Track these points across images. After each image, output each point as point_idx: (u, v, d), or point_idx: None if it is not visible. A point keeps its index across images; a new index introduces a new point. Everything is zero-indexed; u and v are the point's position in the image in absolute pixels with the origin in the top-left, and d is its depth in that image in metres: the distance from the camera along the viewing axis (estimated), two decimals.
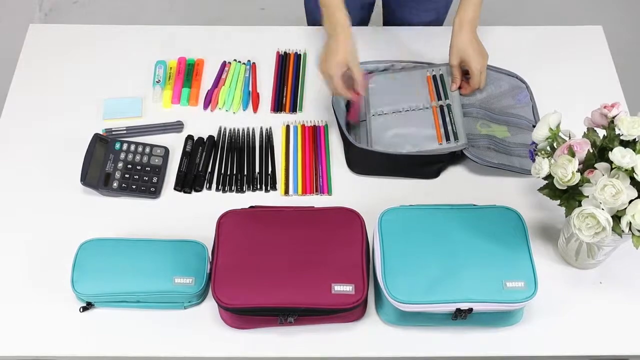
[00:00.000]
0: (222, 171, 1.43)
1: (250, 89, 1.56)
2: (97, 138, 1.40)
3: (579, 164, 1.12)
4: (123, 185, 1.38)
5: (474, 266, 1.18)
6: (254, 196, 1.40)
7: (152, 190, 1.39)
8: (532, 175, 1.38)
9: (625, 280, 1.29)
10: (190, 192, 1.40)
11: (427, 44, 1.61)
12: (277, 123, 1.50)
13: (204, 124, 1.50)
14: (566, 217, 1.19)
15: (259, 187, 1.41)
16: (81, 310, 1.23)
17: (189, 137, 1.47)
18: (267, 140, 1.47)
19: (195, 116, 1.51)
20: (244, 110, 1.53)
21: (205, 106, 1.53)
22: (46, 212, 1.36)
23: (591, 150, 1.13)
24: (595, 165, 1.12)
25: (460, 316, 1.16)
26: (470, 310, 1.15)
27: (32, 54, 1.61)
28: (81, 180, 1.35)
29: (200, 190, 1.40)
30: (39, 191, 1.39)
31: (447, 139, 1.41)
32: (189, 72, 1.58)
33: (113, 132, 1.47)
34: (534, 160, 1.19)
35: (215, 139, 1.48)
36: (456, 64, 1.45)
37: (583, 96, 1.50)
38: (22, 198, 1.38)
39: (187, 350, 1.21)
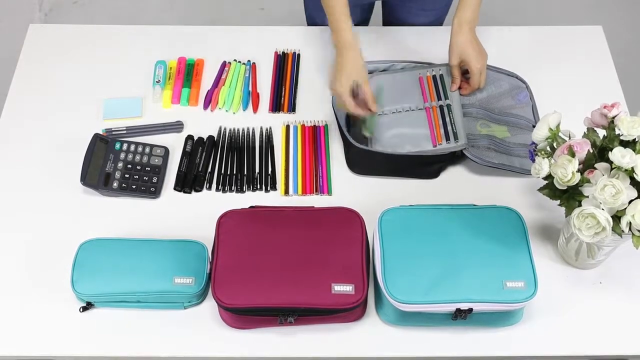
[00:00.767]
0: (222, 171, 1.43)
1: (250, 89, 1.56)
2: (97, 138, 1.40)
3: (579, 164, 1.12)
4: (123, 185, 1.38)
5: (474, 266, 1.18)
6: (254, 196, 1.40)
7: (152, 190, 1.39)
8: (532, 175, 1.39)
9: (625, 280, 1.29)
10: (190, 192, 1.40)
11: (427, 44, 1.61)
12: (277, 123, 1.50)
13: (204, 124, 1.50)
14: (566, 217, 1.19)
15: (259, 187, 1.41)
16: (81, 310, 1.23)
17: (189, 137, 1.47)
18: (267, 140, 1.47)
19: (195, 116, 1.51)
20: (244, 110, 1.53)
21: (205, 106, 1.53)
22: (46, 212, 1.36)
23: (591, 151, 1.13)
24: (595, 166, 1.12)
25: (460, 316, 1.16)
26: (470, 310, 1.15)
27: (32, 54, 1.61)
28: (81, 180, 1.35)
29: (200, 190, 1.40)
30: (39, 191, 1.39)
31: (447, 139, 1.41)
32: (189, 72, 1.58)
33: (113, 132, 1.47)
34: (533, 161, 1.19)
35: (215, 139, 1.48)
36: (456, 64, 1.45)
37: (583, 96, 1.50)
38: (22, 198, 1.38)
39: (187, 350, 1.21)
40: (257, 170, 1.43)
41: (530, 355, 1.22)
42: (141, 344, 1.22)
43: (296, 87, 1.56)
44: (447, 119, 1.44)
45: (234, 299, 1.16)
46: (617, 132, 1.13)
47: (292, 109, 1.52)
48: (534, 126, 1.44)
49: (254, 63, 1.60)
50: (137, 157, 1.42)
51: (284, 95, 1.54)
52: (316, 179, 1.42)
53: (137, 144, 1.43)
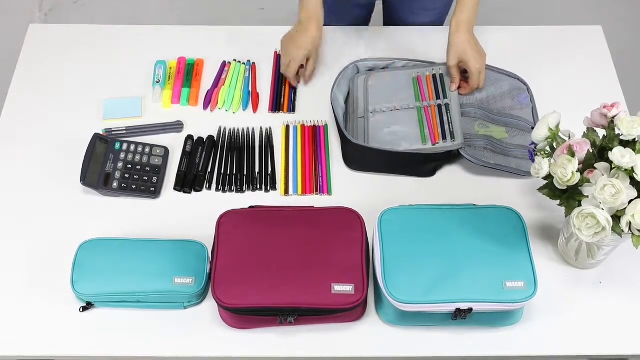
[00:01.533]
0: (222, 171, 1.43)
1: (250, 89, 1.56)
2: (97, 138, 1.40)
3: (579, 164, 1.12)
4: (123, 185, 1.38)
5: (474, 266, 1.18)
6: (253, 196, 1.40)
7: (152, 190, 1.39)
8: (532, 175, 1.39)
9: (625, 280, 1.29)
10: (190, 192, 1.40)
11: (427, 43, 1.61)
12: (277, 123, 1.50)
13: (203, 124, 1.50)
14: (566, 217, 1.19)
15: (258, 187, 1.41)
16: (81, 310, 1.23)
17: (189, 137, 1.47)
18: (267, 140, 1.47)
19: (195, 116, 1.51)
20: (243, 110, 1.53)
21: (205, 106, 1.53)
22: (46, 212, 1.36)
23: (591, 150, 1.13)
24: (595, 165, 1.12)
25: (460, 316, 1.16)
26: (470, 310, 1.15)
27: (32, 54, 1.61)
28: (81, 180, 1.35)
29: (200, 190, 1.40)
30: (39, 191, 1.39)
31: (444, 138, 1.42)
32: (188, 72, 1.58)
33: (113, 132, 1.47)
34: (533, 161, 1.19)
35: (215, 139, 1.48)
36: (454, 64, 1.45)
37: (583, 96, 1.50)
38: (22, 198, 1.38)
39: (187, 350, 1.21)
40: (257, 170, 1.43)
41: (530, 355, 1.22)
42: (141, 344, 1.22)
43: (296, 87, 1.56)
44: (445, 118, 1.44)
45: (234, 299, 1.16)
46: (617, 132, 1.13)
47: (292, 109, 1.52)
48: (533, 128, 1.44)
49: (253, 63, 1.60)
50: (137, 157, 1.42)
51: (283, 95, 1.54)
52: (316, 178, 1.42)
53: (137, 143, 1.43)
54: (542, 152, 1.19)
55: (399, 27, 1.70)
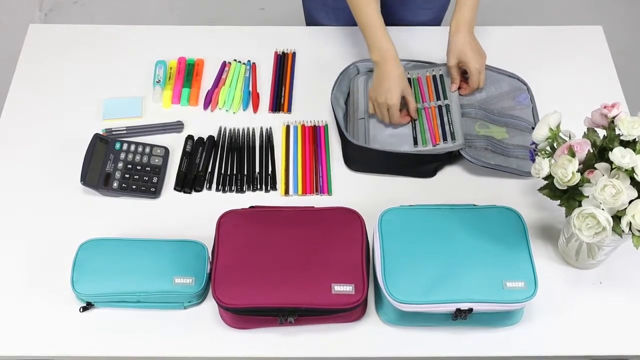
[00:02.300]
0: (222, 171, 1.43)
1: (251, 89, 1.56)
2: (97, 138, 1.40)
3: (579, 164, 1.12)
4: (123, 185, 1.38)
5: (474, 266, 1.18)
6: (254, 196, 1.40)
7: (152, 190, 1.39)
8: (532, 175, 1.39)
9: (626, 280, 1.29)
10: (190, 192, 1.40)
11: (427, 44, 1.61)
12: (277, 123, 1.50)
13: (204, 124, 1.50)
14: (566, 217, 1.19)
15: (259, 187, 1.41)
16: (81, 310, 1.23)
17: (189, 137, 1.47)
18: (267, 140, 1.47)
19: (195, 116, 1.51)
20: (244, 110, 1.53)
21: (206, 106, 1.53)
22: (46, 212, 1.36)
23: (591, 151, 1.13)
24: (596, 166, 1.12)
25: (460, 316, 1.16)
26: (470, 310, 1.15)
27: (32, 54, 1.61)
28: (81, 180, 1.35)
29: (200, 190, 1.40)
30: (39, 191, 1.39)
31: (445, 139, 1.42)
32: (189, 72, 1.58)
33: (113, 132, 1.47)
34: (534, 161, 1.19)
35: (216, 139, 1.48)
36: (454, 64, 1.45)
37: (583, 96, 1.50)
38: (22, 198, 1.38)
39: (187, 350, 1.21)
40: (257, 170, 1.43)
41: (530, 356, 1.22)
42: (141, 344, 1.22)
43: (286, 87, 1.55)
44: (445, 119, 1.44)
45: (234, 299, 1.16)
46: (617, 132, 1.13)
47: (290, 109, 1.52)
48: (533, 128, 1.44)
49: (254, 63, 1.60)
50: (137, 157, 1.42)
51: (284, 95, 1.54)
52: (316, 179, 1.42)
53: (137, 144, 1.43)
54: (543, 152, 1.19)
55: (398, 27, 1.69)
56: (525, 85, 1.52)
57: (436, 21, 1.74)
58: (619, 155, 1.08)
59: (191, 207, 1.38)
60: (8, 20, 2.70)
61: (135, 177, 1.39)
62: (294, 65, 1.59)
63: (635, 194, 1.07)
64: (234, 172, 1.43)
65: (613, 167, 1.09)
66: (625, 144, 1.11)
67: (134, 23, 1.73)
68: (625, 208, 1.08)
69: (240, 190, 1.40)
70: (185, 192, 1.40)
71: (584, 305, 1.26)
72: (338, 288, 1.17)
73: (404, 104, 1.44)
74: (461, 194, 1.38)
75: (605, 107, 1.16)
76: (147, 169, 1.41)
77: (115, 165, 1.40)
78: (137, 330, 1.23)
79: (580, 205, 1.12)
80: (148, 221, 1.35)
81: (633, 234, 1.10)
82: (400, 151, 1.40)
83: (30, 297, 1.25)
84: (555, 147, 1.17)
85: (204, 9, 2.75)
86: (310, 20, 1.75)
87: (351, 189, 1.41)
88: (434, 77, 1.51)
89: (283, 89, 1.55)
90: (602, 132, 1.17)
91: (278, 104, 1.53)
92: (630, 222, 1.08)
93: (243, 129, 1.49)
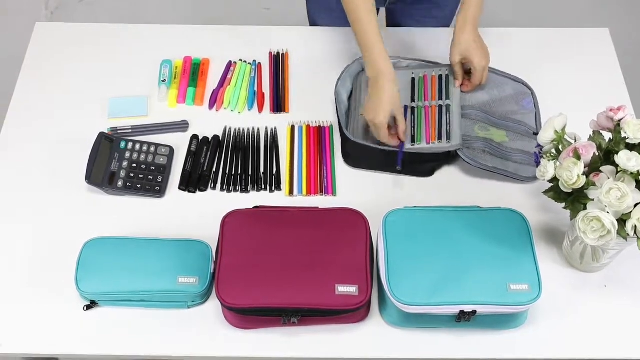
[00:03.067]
0: (227, 171, 1.43)
1: (256, 89, 1.56)
2: (102, 137, 1.41)
3: (585, 167, 1.12)
4: (128, 184, 1.38)
5: (478, 268, 1.18)
6: (258, 196, 1.40)
7: (156, 189, 1.39)
8: (530, 180, 1.39)
9: (630, 284, 1.29)
10: (194, 192, 1.40)
11: (431, 44, 1.61)
12: (282, 123, 1.50)
13: (209, 123, 1.50)
14: (571, 220, 1.18)
15: (263, 187, 1.41)
16: (85, 308, 1.24)
17: (194, 137, 1.47)
18: (272, 141, 1.47)
19: (200, 116, 1.52)
20: (249, 110, 1.53)
21: (211, 106, 1.53)
22: (51, 210, 1.36)
23: (597, 154, 1.13)
24: (601, 169, 1.12)
25: (464, 318, 1.16)
26: (474, 312, 1.15)
27: (38, 53, 1.61)
28: (86, 179, 1.36)
29: (204, 190, 1.40)
30: (44, 190, 1.39)
31: (439, 138, 1.42)
32: (194, 71, 1.58)
33: (118, 131, 1.47)
34: (539, 163, 1.19)
35: (220, 138, 1.48)
36: (457, 61, 1.45)
37: (589, 99, 1.49)
38: (27, 196, 1.38)
39: (191, 349, 1.21)
40: (261, 170, 1.43)
41: (534, 359, 1.22)
42: (145, 343, 1.22)
43: (285, 87, 1.56)
44: (444, 119, 1.44)
45: (238, 299, 1.16)
46: (623, 135, 1.13)
47: (289, 109, 1.52)
48: (534, 133, 1.44)
49: (259, 63, 1.60)
50: (142, 156, 1.42)
51: (283, 95, 1.54)
52: (321, 179, 1.42)
53: (142, 143, 1.43)
54: (548, 155, 1.19)
55: (402, 29, 1.70)
56: (530, 90, 1.52)
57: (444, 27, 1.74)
58: (624, 158, 1.07)
59: (196, 207, 1.38)
60: (14, 19, 2.70)
61: (140, 176, 1.39)
62: (282, 66, 1.59)
63: None
64: (239, 172, 1.43)
65: (619, 170, 1.09)
66: (631, 147, 1.11)
67: (140, 22, 1.73)
68: (631, 211, 1.08)
69: (244, 190, 1.40)
70: (189, 191, 1.40)
71: (589, 308, 1.26)
72: (342, 289, 1.17)
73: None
74: (466, 196, 1.38)
75: (611, 109, 1.16)
76: (152, 168, 1.41)
77: (120, 164, 1.40)
78: (141, 330, 1.23)
79: (585, 208, 1.12)
80: (152, 220, 1.35)
81: (638, 238, 1.09)
82: (396, 149, 1.40)
83: (34, 296, 1.26)
84: (561, 149, 1.17)
85: (209, 8, 2.75)
86: (313, 22, 1.75)
87: (356, 190, 1.41)
88: (440, 76, 1.51)
89: (282, 89, 1.55)
90: (607, 135, 1.17)
91: (279, 104, 1.53)
92: (636, 226, 1.07)
93: (248, 129, 1.49)
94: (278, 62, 1.60)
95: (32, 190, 1.39)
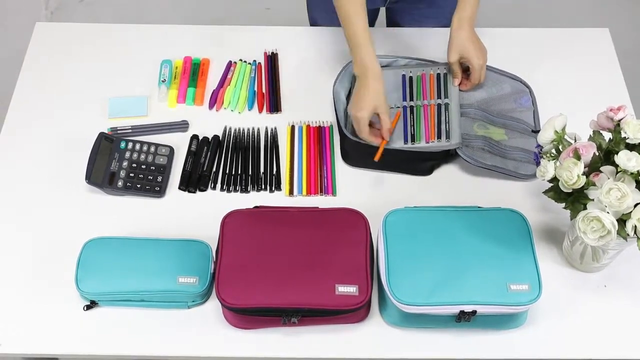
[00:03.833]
0: (227, 171, 1.43)
1: (256, 89, 1.56)
2: (102, 137, 1.41)
3: (585, 167, 1.12)
4: (128, 184, 1.38)
5: (478, 268, 1.18)
6: (258, 196, 1.40)
7: (156, 189, 1.39)
8: (530, 178, 1.39)
9: (630, 284, 1.29)
10: (194, 192, 1.40)
11: (430, 44, 1.61)
12: (282, 123, 1.50)
13: (209, 123, 1.50)
14: (571, 220, 1.18)
15: (263, 187, 1.41)
16: (85, 308, 1.24)
17: (194, 137, 1.47)
18: (272, 141, 1.47)
19: (200, 116, 1.52)
20: (249, 110, 1.53)
21: (211, 106, 1.53)
22: (51, 210, 1.36)
23: (597, 154, 1.13)
24: (601, 169, 1.12)
25: (464, 318, 1.16)
26: (474, 312, 1.15)
27: (38, 53, 1.61)
28: (86, 179, 1.36)
29: (204, 190, 1.40)
30: (44, 189, 1.39)
31: (439, 137, 1.42)
32: (194, 71, 1.58)
33: (118, 131, 1.47)
34: (539, 163, 1.19)
35: (220, 138, 1.48)
36: (455, 60, 1.45)
37: (589, 99, 1.49)
38: (27, 196, 1.38)
39: (191, 349, 1.21)
40: (261, 170, 1.43)
41: (534, 359, 1.22)
42: (145, 343, 1.22)
43: (277, 87, 1.56)
44: (443, 118, 1.44)
45: (238, 299, 1.16)
46: (623, 135, 1.13)
47: (281, 108, 1.52)
48: (533, 131, 1.44)
49: (259, 63, 1.60)
50: (142, 156, 1.42)
51: (277, 95, 1.54)
52: (321, 179, 1.42)
53: (142, 143, 1.43)
54: (548, 155, 1.19)
55: (402, 29, 1.69)
56: (528, 88, 1.52)
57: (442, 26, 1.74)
58: (624, 158, 1.07)
59: (196, 207, 1.38)
60: (14, 19, 2.70)
61: (140, 176, 1.39)
62: (278, 65, 1.59)
63: None
64: (239, 172, 1.43)
65: (618, 170, 1.09)
66: (631, 147, 1.11)
67: (140, 22, 1.73)
68: (631, 211, 1.08)
69: (244, 190, 1.40)
70: (189, 191, 1.40)
71: (588, 308, 1.26)
72: (342, 289, 1.17)
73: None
74: (466, 196, 1.38)
75: (611, 109, 1.16)
76: (152, 168, 1.41)
77: (120, 164, 1.40)
78: (141, 329, 1.23)
79: (585, 209, 1.12)
80: (152, 220, 1.35)
81: (638, 238, 1.09)
82: (394, 147, 1.40)
83: (34, 296, 1.26)
84: (561, 149, 1.17)
85: (209, 8, 2.75)
86: (314, 22, 1.76)
87: (356, 190, 1.41)
88: (438, 75, 1.51)
89: (275, 89, 1.55)
90: (607, 135, 1.17)
91: (272, 104, 1.53)
92: (636, 226, 1.07)
93: (248, 129, 1.49)
94: (272, 62, 1.60)
95: (32, 190, 1.39)
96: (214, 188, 1.41)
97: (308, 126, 1.50)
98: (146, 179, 1.39)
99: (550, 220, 1.35)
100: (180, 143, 1.47)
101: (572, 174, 1.10)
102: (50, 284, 1.26)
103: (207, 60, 1.60)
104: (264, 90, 1.55)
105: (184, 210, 1.37)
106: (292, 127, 1.49)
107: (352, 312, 1.18)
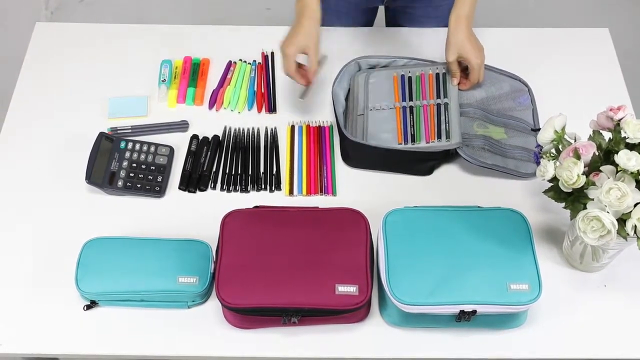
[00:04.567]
0: (227, 171, 1.43)
1: (256, 89, 1.56)
2: (102, 137, 1.41)
3: (585, 167, 1.12)
4: (128, 184, 1.38)
5: (478, 268, 1.18)
6: (258, 196, 1.40)
7: (156, 189, 1.39)
8: (530, 177, 1.39)
9: (630, 284, 1.29)
10: (194, 192, 1.40)
11: (429, 43, 1.61)
12: (282, 123, 1.50)
13: (209, 123, 1.50)
14: (571, 219, 1.18)
15: (263, 187, 1.41)
16: (85, 308, 1.24)
17: (194, 137, 1.47)
18: (272, 140, 1.47)
19: (200, 116, 1.52)
20: (249, 110, 1.53)
21: (211, 106, 1.53)
22: (51, 210, 1.36)
23: (597, 153, 1.13)
24: (601, 168, 1.12)
25: (464, 318, 1.16)
26: (474, 312, 1.15)
27: (38, 53, 1.61)
28: (86, 179, 1.36)
29: (204, 190, 1.40)
30: (44, 189, 1.39)
31: (439, 137, 1.42)
32: (194, 71, 1.58)
33: (118, 131, 1.47)
34: (538, 163, 1.19)
35: (220, 138, 1.48)
36: (453, 59, 1.45)
37: (589, 98, 1.49)
38: (27, 196, 1.38)
39: (191, 349, 1.21)
40: (261, 170, 1.43)
41: (534, 358, 1.22)
42: (145, 343, 1.22)
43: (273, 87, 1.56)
44: (443, 118, 1.44)
45: (238, 298, 1.16)
46: (623, 134, 1.13)
47: (275, 109, 1.53)
48: (532, 129, 1.44)
49: (259, 63, 1.60)
50: (142, 156, 1.42)
51: (271, 95, 1.54)
52: (321, 179, 1.42)
53: (142, 143, 1.43)
54: (548, 155, 1.19)
55: (401, 28, 1.69)
56: (527, 87, 1.52)
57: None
58: (624, 158, 1.07)
59: (195, 207, 1.38)
60: (14, 19, 2.70)
61: (140, 176, 1.39)
62: (274, 65, 1.60)
63: None
64: (239, 171, 1.43)
65: (618, 169, 1.09)
66: (631, 146, 1.11)
67: (140, 22, 1.73)
68: (631, 211, 1.08)
69: (244, 190, 1.40)
70: (189, 191, 1.40)
71: (588, 308, 1.26)
72: (342, 289, 1.17)
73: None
74: (466, 196, 1.38)
75: (611, 109, 1.16)
76: (152, 168, 1.41)
77: (120, 164, 1.40)
78: (141, 329, 1.23)
79: (585, 208, 1.12)
80: (152, 220, 1.35)
81: (638, 237, 1.09)
82: (395, 148, 1.40)
83: (34, 296, 1.26)
84: (561, 149, 1.17)
85: (210, 8, 2.75)
86: None
87: (356, 190, 1.41)
88: (437, 75, 1.51)
89: (271, 89, 1.55)
90: (607, 135, 1.17)
91: (274, 104, 1.53)
92: (636, 225, 1.07)
93: (248, 129, 1.49)
94: (268, 63, 1.60)
95: (32, 190, 1.39)
96: (214, 188, 1.41)
97: (308, 126, 1.50)
98: (146, 179, 1.39)
99: (550, 220, 1.35)
100: (180, 143, 1.47)
101: (572, 174, 1.10)
102: (50, 284, 1.26)
103: (207, 60, 1.60)
104: (263, 90, 1.56)
105: (184, 210, 1.37)
106: (292, 127, 1.49)
107: (352, 312, 1.18)
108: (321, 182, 1.41)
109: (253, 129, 1.49)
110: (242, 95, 1.54)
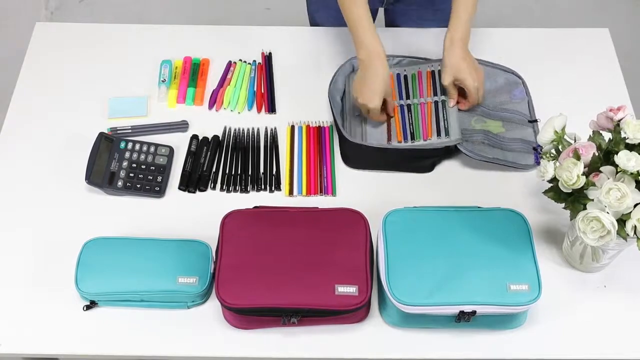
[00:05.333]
0: (227, 171, 1.43)
1: (256, 89, 1.56)
2: (102, 137, 1.41)
3: (584, 167, 1.12)
4: (128, 184, 1.38)
5: (478, 268, 1.18)
6: (258, 196, 1.40)
7: (156, 189, 1.39)
8: (529, 169, 1.39)
9: (630, 284, 1.29)
10: (194, 192, 1.40)
11: (429, 45, 1.60)
12: (282, 123, 1.50)
13: (209, 123, 1.50)
14: (571, 220, 1.18)
15: (263, 187, 1.41)
16: (85, 308, 1.24)
17: (194, 137, 1.47)
18: (272, 141, 1.47)
19: (200, 116, 1.52)
20: (249, 110, 1.53)
21: (211, 106, 1.53)
22: (50, 210, 1.36)
23: (596, 154, 1.13)
24: (601, 169, 1.12)
25: (464, 319, 1.16)
26: (474, 312, 1.15)
27: (38, 53, 1.61)
28: (86, 179, 1.36)
29: (204, 190, 1.40)
30: (44, 189, 1.39)
31: (438, 134, 1.42)
32: (194, 71, 1.58)
33: (118, 131, 1.47)
34: (538, 163, 1.19)
35: (220, 138, 1.48)
36: (449, 82, 1.44)
37: (589, 99, 1.49)
38: (27, 196, 1.38)
39: (190, 349, 1.21)
40: (261, 170, 1.43)
41: (533, 359, 1.22)
42: (144, 343, 1.22)
43: (272, 87, 1.56)
44: (441, 115, 1.44)
45: (238, 299, 1.16)
46: (622, 135, 1.12)
47: (274, 109, 1.53)
48: (529, 121, 1.46)
49: (259, 63, 1.60)
50: (142, 157, 1.42)
51: (271, 95, 1.54)
52: (320, 179, 1.42)
53: (142, 143, 1.43)
54: (548, 155, 1.19)
55: (400, 29, 1.69)
56: (520, 79, 1.53)
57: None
58: (624, 158, 1.07)
59: (195, 207, 1.38)
60: (14, 19, 2.71)
61: (139, 176, 1.39)
62: (272, 66, 1.59)
63: None
64: (239, 172, 1.43)
65: (618, 170, 1.09)
66: (631, 147, 1.11)
67: (140, 22, 1.73)
68: (630, 212, 1.08)
69: (244, 190, 1.40)
70: (189, 191, 1.40)
71: (588, 308, 1.26)
72: (341, 289, 1.17)
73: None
74: (466, 196, 1.38)
75: (610, 110, 1.16)
76: (151, 168, 1.41)
77: (120, 164, 1.40)
78: (140, 330, 1.23)
79: (585, 209, 1.11)
80: (152, 220, 1.35)
81: (638, 238, 1.09)
82: (395, 147, 1.40)
83: (34, 296, 1.26)
84: (561, 149, 1.17)
85: (209, 8, 2.75)
86: (314, 22, 1.75)
87: (355, 190, 1.41)
88: (433, 72, 1.51)
89: (270, 89, 1.55)
90: (607, 135, 1.17)
91: (268, 104, 1.53)
92: (635, 226, 1.07)
93: (248, 129, 1.49)
94: (267, 63, 1.60)
95: (32, 191, 1.39)
96: (213, 188, 1.41)
97: (308, 126, 1.50)
98: (146, 179, 1.39)
99: (550, 220, 1.35)
100: (180, 143, 1.47)
101: (572, 174, 1.10)
102: (50, 284, 1.26)
103: (207, 60, 1.60)
104: (262, 91, 1.56)
105: (183, 210, 1.37)
106: (292, 127, 1.49)
107: (351, 313, 1.18)
108: (321, 182, 1.41)
109: (253, 129, 1.49)
110: (242, 96, 1.54)
